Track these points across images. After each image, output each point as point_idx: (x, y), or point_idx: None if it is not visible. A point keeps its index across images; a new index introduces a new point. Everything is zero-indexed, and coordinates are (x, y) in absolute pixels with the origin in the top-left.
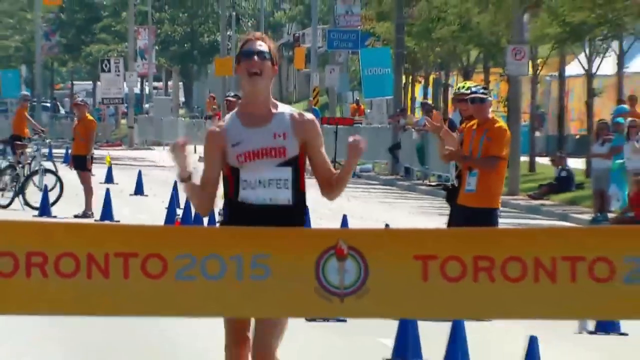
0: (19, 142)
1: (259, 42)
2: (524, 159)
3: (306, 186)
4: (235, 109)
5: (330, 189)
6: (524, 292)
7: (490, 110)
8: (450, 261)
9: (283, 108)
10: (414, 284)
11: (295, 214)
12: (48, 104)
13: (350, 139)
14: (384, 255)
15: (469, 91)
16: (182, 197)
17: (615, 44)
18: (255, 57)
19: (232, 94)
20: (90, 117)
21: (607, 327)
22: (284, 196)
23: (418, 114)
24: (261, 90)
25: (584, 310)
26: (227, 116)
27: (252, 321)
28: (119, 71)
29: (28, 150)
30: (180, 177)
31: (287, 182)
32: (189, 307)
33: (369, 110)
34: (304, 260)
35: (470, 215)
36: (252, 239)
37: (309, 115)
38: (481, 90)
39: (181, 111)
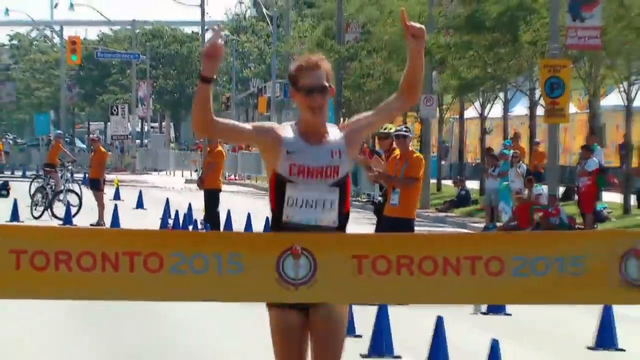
0: (49, 169)
1: (318, 73)
2: (432, 181)
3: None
4: (294, 123)
5: (406, 94)
6: (436, 283)
7: (410, 144)
8: (379, 259)
9: (332, 128)
10: (351, 277)
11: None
12: (68, 140)
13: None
14: (329, 254)
15: (386, 131)
16: (173, 210)
17: (501, 94)
18: (317, 94)
19: None
20: (102, 149)
21: (495, 309)
22: (330, 218)
23: None
24: (322, 122)
25: (480, 297)
26: (282, 125)
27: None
28: (124, 114)
29: (58, 174)
30: (204, 73)
31: (334, 203)
32: (180, 295)
33: None
34: (268, 258)
35: (393, 224)
36: (229, 241)
37: (341, 125)
38: (404, 129)
39: (172, 145)
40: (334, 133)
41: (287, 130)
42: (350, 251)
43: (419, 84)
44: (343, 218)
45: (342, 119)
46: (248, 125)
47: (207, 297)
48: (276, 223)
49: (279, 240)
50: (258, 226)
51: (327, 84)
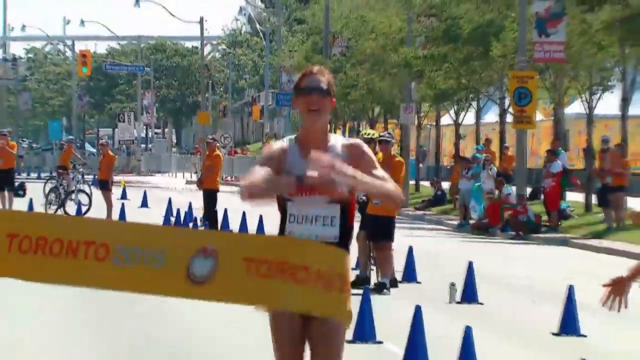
0: (62, 171)
1: (318, 77)
2: (411, 182)
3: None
4: (295, 135)
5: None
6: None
7: (392, 149)
8: (264, 263)
9: (334, 139)
10: (240, 277)
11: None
12: (79, 144)
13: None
14: (227, 255)
15: (369, 136)
16: (174, 209)
17: (474, 103)
18: (315, 94)
19: (211, 137)
20: (111, 153)
21: (470, 298)
22: (331, 234)
23: None
24: (320, 127)
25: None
26: (287, 139)
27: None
28: (130, 121)
29: (70, 176)
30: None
31: (335, 219)
32: (119, 284)
33: None
34: (182, 255)
35: (376, 221)
36: (159, 237)
37: (356, 141)
38: (387, 135)
39: (174, 149)
40: (334, 148)
41: (290, 148)
42: (242, 254)
43: (385, 199)
44: (346, 231)
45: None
46: (264, 166)
47: (132, 288)
48: (280, 233)
49: (193, 236)
50: (252, 223)
51: (326, 87)
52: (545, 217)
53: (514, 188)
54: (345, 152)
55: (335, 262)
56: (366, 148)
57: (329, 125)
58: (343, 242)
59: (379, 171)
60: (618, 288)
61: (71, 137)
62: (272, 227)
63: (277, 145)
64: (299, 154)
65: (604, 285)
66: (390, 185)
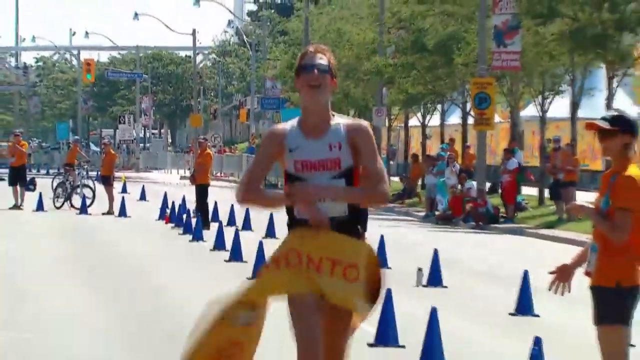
0: (68, 167)
1: (319, 55)
2: None
3: None
4: (297, 118)
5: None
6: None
7: None
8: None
9: (339, 119)
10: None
11: (350, 224)
12: (84, 144)
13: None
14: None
15: None
16: (169, 202)
17: (439, 106)
18: (315, 71)
19: (202, 137)
20: (112, 152)
21: (435, 281)
22: (339, 208)
23: None
24: (320, 102)
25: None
26: (289, 122)
27: None
28: (130, 123)
29: (75, 172)
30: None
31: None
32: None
33: None
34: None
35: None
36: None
37: (362, 122)
38: None
39: (169, 148)
40: (337, 128)
41: (289, 129)
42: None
43: (364, 203)
44: (355, 210)
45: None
46: (264, 157)
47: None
48: (291, 218)
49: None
50: (239, 216)
51: (326, 64)
52: (502, 209)
53: (474, 183)
54: (347, 133)
55: (365, 256)
56: (370, 134)
57: (329, 104)
58: (352, 217)
59: (376, 163)
60: (563, 275)
61: (77, 137)
62: (259, 220)
63: (277, 128)
64: (301, 134)
65: (551, 273)
66: (378, 188)
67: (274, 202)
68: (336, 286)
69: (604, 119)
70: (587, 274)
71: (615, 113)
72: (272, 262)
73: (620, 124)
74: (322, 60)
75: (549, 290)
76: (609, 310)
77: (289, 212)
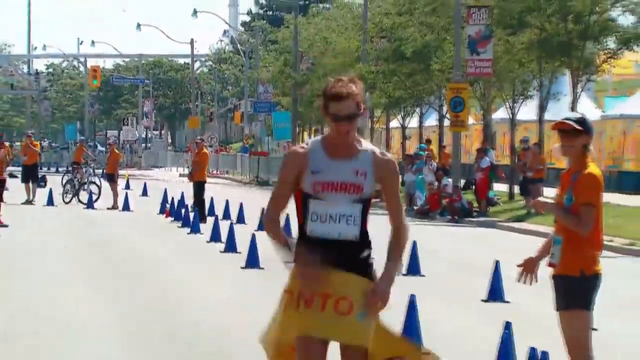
0: (76, 166)
1: (347, 103)
2: None
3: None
4: (321, 136)
5: (392, 237)
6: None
7: None
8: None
9: (366, 145)
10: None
11: (360, 249)
12: (91, 144)
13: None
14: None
15: None
16: (169, 197)
17: (418, 109)
18: (345, 122)
19: (199, 137)
20: (117, 151)
21: (414, 270)
22: (353, 233)
23: None
24: (350, 143)
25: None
26: (311, 141)
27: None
28: (133, 125)
29: (83, 170)
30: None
31: (357, 219)
32: None
33: (277, 147)
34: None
35: None
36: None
37: (389, 156)
38: None
39: (169, 147)
40: (365, 154)
41: (311, 149)
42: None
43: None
44: (364, 232)
45: (297, 129)
46: (287, 180)
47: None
48: (302, 235)
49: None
50: (234, 210)
51: (355, 112)
52: (476, 204)
53: (450, 180)
54: (374, 163)
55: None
56: (397, 173)
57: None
58: (362, 242)
59: (399, 199)
60: (529, 266)
61: (82, 137)
62: (252, 214)
63: (299, 149)
64: (324, 154)
65: (518, 266)
66: (405, 225)
67: (280, 250)
68: (330, 322)
69: (567, 119)
70: (551, 265)
71: (579, 115)
72: (291, 299)
73: (584, 126)
74: (349, 107)
75: (518, 281)
76: (574, 296)
77: (300, 226)
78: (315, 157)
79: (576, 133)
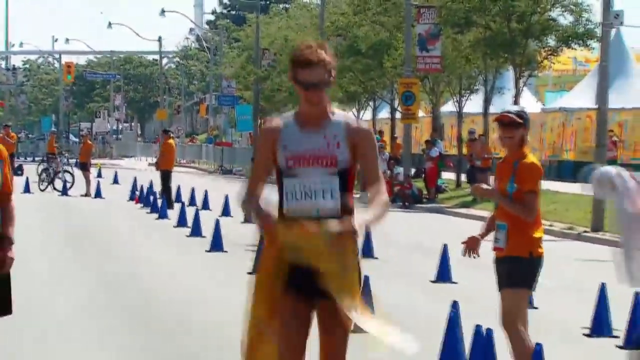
0: (51, 156)
1: (316, 70)
2: None
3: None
4: (294, 111)
5: (369, 197)
6: None
7: None
8: None
9: (339, 117)
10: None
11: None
12: (65, 135)
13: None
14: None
15: None
16: (139, 185)
17: (371, 103)
18: (315, 90)
19: (165, 129)
20: (89, 142)
21: (367, 253)
22: (332, 206)
23: None
24: (321, 112)
25: None
26: (285, 115)
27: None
28: (105, 117)
29: (57, 159)
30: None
31: (335, 192)
32: None
33: (240, 138)
34: None
35: None
36: None
37: (364, 125)
38: None
39: (138, 139)
40: (337, 123)
41: (284, 123)
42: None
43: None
44: (347, 206)
45: (259, 121)
46: (261, 159)
47: None
48: (281, 215)
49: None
50: (199, 197)
51: (327, 80)
52: (425, 192)
53: (402, 169)
54: (348, 132)
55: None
56: (373, 139)
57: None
58: (345, 215)
59: (379, 170)
60: (472, 243)
61: (53, 129)
62: (216, 201)
63: (271, 125)
64: (297, 129)
65: (462, 242)
66: (384, 197)
67: (257, 221)
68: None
69: (508, 112)
70: (497, 249)
71: (518, 108)
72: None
73: (523, 118)
74: (319, 74)
75: (463, 255)
76: (523, 277)
77: (280, 209)
78: (287, 130)
79: (516, 125)
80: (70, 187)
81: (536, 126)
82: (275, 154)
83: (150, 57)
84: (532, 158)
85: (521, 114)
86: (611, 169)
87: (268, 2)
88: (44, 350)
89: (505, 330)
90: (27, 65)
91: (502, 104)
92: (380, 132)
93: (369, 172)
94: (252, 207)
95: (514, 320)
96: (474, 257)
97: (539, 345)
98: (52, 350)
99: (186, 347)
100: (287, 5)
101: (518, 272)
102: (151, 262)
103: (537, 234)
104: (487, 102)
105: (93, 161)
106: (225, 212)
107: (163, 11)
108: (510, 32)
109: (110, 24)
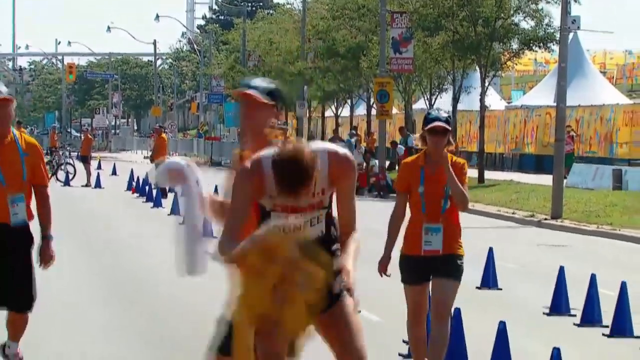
0: (53, 149)
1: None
2: None
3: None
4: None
5: (342, 240)
6: None
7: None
8: None
9: (316, 146)
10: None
11: (327, 239)
12: (68, 130)
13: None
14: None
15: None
16: (135, 176)
17: (349, 101)
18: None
19: (158, 125)
20: (90, 136)
21: None
22: (316, 230)
23: None
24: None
25: None
26: (263, 160)
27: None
28: (104, 114)
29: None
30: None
31: (321, 218)
32: None
33: (228, 133)
34: None
35: None
36: None
37: (348, 156)
38: (283, 124)
39: (135, 133)
40: (322, 169)
41: (268, 174)
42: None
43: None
44: (329, 222)
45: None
46: (242, 205)
47: None
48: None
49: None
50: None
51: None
52: None
53: (377, 161)
54: (330, 166)
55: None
56: (354, 170)
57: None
58: (327, 232)
59: (354, 202)
60: (384, 267)
61: (54, 125)
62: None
63: (252, 177)
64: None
65: (380, 271)
66: (355, 231)
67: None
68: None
69: (438, 119)
70: (431, 251)
71: (446, 114)
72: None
73: (449, 123)
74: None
75: (382, 277)
76: (461, 271)
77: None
78: (271, 182)
79: (445, 133)
80: (72, 178)
81: (500, 122)
82: (259, 198)
83: (146, 59)
84: (459, 158)
85: (448, 120)
86: (182, 161)
87: (254, 8)
88: (41, 336)
89: (444, 320)
90: (33, 66)
91: (470, 101)
92: (355, 127)
93: (345, 203)
94: (239, 253)
95: (451, 307)
96: (388, 276)
97: (502, 323)
98: (48, 337)
99: (177, 330)
100: (271, 11)
101: (459, 268)
102: (145, 248)
103: (461, 237)
104: (455, 100)
105: (93, 154)
106: None
107: (157, 16)
108: (477, 35)
109: (109, 28)
